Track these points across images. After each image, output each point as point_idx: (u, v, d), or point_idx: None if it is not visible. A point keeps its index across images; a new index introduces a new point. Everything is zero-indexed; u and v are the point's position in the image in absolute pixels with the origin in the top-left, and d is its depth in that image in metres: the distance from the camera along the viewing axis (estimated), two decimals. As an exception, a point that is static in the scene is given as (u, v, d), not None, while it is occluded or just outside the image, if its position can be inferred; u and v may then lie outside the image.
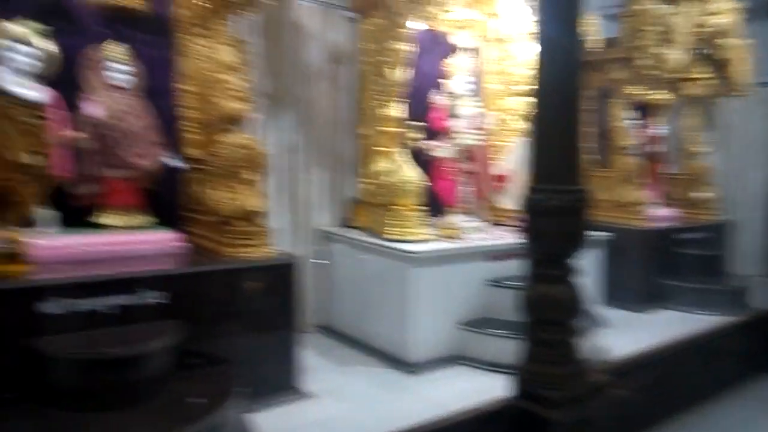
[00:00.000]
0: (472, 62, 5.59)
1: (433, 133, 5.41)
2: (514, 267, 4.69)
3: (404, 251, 4.32)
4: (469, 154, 5.43)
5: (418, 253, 4.31)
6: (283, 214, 5.03)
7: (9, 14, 3.51)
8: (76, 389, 2.82)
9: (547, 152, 3.28)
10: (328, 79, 5.26)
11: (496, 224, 5.58)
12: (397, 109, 4.89)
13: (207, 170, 3.79)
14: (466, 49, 5.55)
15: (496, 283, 4.68)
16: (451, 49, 5.58)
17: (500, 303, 4.55)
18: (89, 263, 3.36)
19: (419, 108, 5.40)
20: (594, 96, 6.56)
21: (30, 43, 3.40)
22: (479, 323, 4.55)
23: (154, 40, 4.11)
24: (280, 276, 3.73)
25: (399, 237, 4.54)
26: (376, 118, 4.96)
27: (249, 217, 3.72)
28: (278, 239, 4.84)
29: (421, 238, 4.57)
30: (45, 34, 3.50)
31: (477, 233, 5.11)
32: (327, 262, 5.20)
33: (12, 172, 3.32)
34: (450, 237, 4.80)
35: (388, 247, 4.48)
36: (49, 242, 3.37)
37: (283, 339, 3.75)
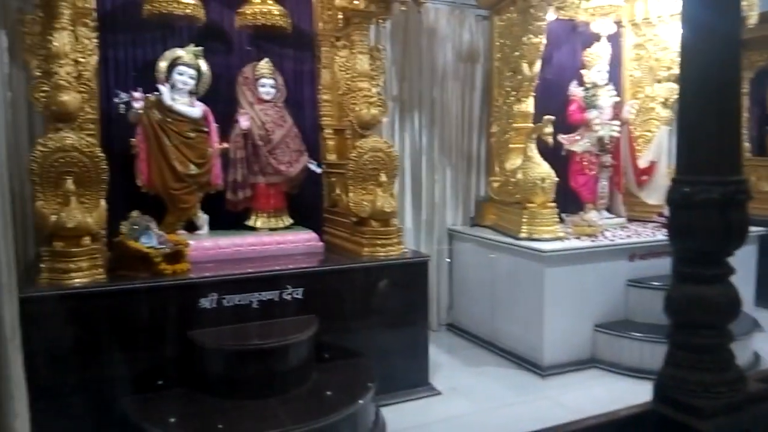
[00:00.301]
0: (611, 50, 5.31)
1: (570, 127, 5.25)
2: (657, 266, 4.46)
3: (538, 250, 4.26)
4: (608, 146, 5.19)
5: (552, 252, 4.23)
6: (413, 213, 5.18)
7: (174, 39, 3.99)
8: (226, 378, 3.16)
9: (698, 141, 3.05)
10: (459, 79, 5.30)
11: (638, 220, 5.29)
12: (531, 105, 4.82)
13: (344, 174, 4.02)
14: (605, 37, 5.28)
15: (638, 283, 4.45)
16: (589, 38, 5.35)
17: (642, 304, 4.35)
18: (239, 262, 3.73)
19: (555, 101, 5.25)
20: (750, 77, 5.94)
21: (191, 64, 3.83)
22: (618, 325, 4.36)
23: (298, 55, 4.44)
24: (412, 274, 3.88)
25: (532, 235, 4.47)
26: (510, 114, 4.92)
27: (384, 217, 3.90)
28: (408, 238, 5.02)
29: (556, 236, 4.47)
30: (202, 56, 3.93)
31: (616, 230, 4.89)
32: (448, 260, 5.26)
33: (180, 182, 3.78)
34: (587, 234, 4.63)
35: (520, 246, 4.43)
36: (205, 243, 3.79)
37: (414, 336, 3.89)
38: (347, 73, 4.26)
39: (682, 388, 3.01)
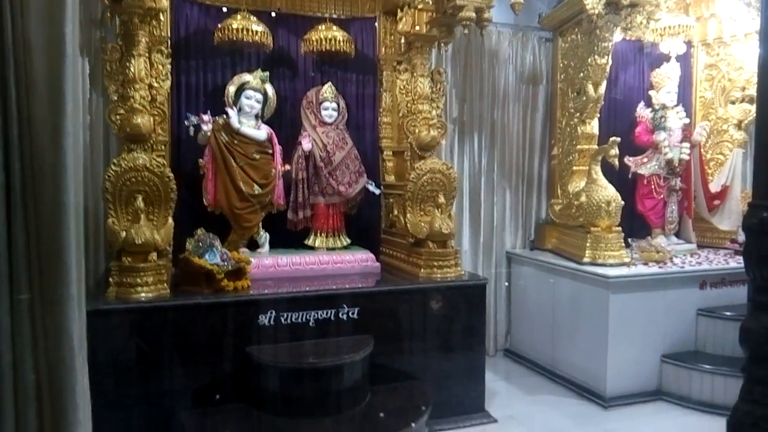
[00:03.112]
0: (680, 71, 5.14)
1: (637, 149, 5.09)
2: (730, 295, 4.24)
3: (602, 276, 4.12)
4: (677, 169, 5.00)
5: (618, 278, 4.08)
6: (471, 235, 5.13)
7: (243, 65, 4.15)
8: (280, 395, 3.19)
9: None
10: (520, 100, 5.25)
11: (709, 247, 5.05)
12: (595, 126, 4.71)
13: (402, 195, 4.03)
14: (674, 57, 5.12)
15: (709, 312, 4.24)
16: (658, 58, 5.20)
17: (713, 335, 4.14)
18: (297, 280, 3.80)
19: (621, 123, 5.14)
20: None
21: (258, 89, 3.97)
22: (687, 357, 4.16)
23: (360, 79, 4.51)
24: (470, 297, 3.83)
25: (596, 260, 4.33)
26: (573, 136, 4.83)
27: (441, 239, 3.88)
28: (466, 261, 4.97)
29: (622, 261, 4.31)
30: (269, 80, 4.06)
31: (686, 257, 4.68)
32: (507, 284, 5.17)
33: (244, 201, 3.89)
34: (655, 261, 4.45)
35: (583, 271, 4.30)
36: (266, 261, 3.88)
37: (471, 360, 3.83)
38: (408, 96, 4.30)
39: (760, 427, 2.82)
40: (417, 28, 4.01)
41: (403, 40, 4.34)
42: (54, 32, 1.64)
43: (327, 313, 3.49)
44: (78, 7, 1.74)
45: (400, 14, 4.18)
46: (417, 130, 4.03)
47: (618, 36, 4.70)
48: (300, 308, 3.44)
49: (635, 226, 5.01)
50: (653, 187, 5.01)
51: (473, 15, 3.65)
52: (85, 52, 3.94)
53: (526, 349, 5.00)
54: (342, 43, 4.04)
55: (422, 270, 3.84)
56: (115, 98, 3.62)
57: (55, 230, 1.66)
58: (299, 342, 3.41)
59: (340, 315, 3.51)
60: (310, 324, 3.46)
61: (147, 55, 3.65)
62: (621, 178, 4.84)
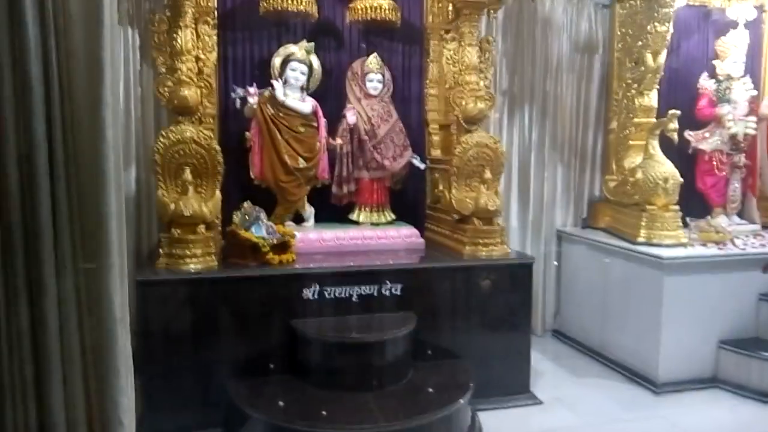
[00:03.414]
0: (749, 39, 4.80)
1: (698, 123, 4.82)
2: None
3: (657, 257, 3.94)
4: (741, 145, 4.71)
5: (673, 259, 3.90)
6: (519, 212, 4.99)
7: (289, 36, 4.11)
8: (324, 368, 3.22)
9: None
10: (575, 71, 5.02)
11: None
12: (654, 98, 4.48)
13: (448, 170, 3.94)
14: (742, 24, 4.78)
15: (772, 298, 4.01)
16: (724, 26, 4.87)
17: (776, 322, 3.91)
18: (341, 255, 3.78)
19: (682, 95, 4.88)
20: None
21: (303, 60, 3.92)
22: (747, 343, 3.96)
23: (407, 49, 4.41)
24: (516, 276, 3.74)
25: (651, 240, 4.15)
26: (630, 108, 4.62)
27: (487, 216, 3.78)
28: (513, 238, 4.85)
29: (679, 241, 4.11)
30: (314, 52, 4.01)
31: (748, 238, 4.42)
32: (556, 263, 5.03)
33: (289, 175, 3.88)
34: (714, 241, 4.23)
35: (638, 252, 4.12)
36: (311, 235, 3.88)
37: (516, 341, 3.75)
38: (455, 67, 4.16)
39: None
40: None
41: (450, 8, 4.18)
42: (92, 1, 1.62)
43: (370, 289, 3.46)
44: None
45: (448, -20, 4.04)
46: (464, 102, 3.91)
47: (681, 1, 4.41)
48: (343, 283, 3.43)
49: (695, 204, 4.77)
50: (715, 163, 4.75)
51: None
52: (135, 24, 4.00)
53: (575, 330, 4.87)
54: (387, 11, 3.93)
55: (467, 247, 3.76)
56: (163, 70, 3.64)
57: (96, 199, 1.67)
58: (342, 317, 3.41)
59: (383, 291, 3.48)
60: (354, 299, 3.45)
61: (194, 26, 3.64)
62: (681, 154, 4.62)
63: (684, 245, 4.10)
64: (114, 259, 1.71)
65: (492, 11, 4.19)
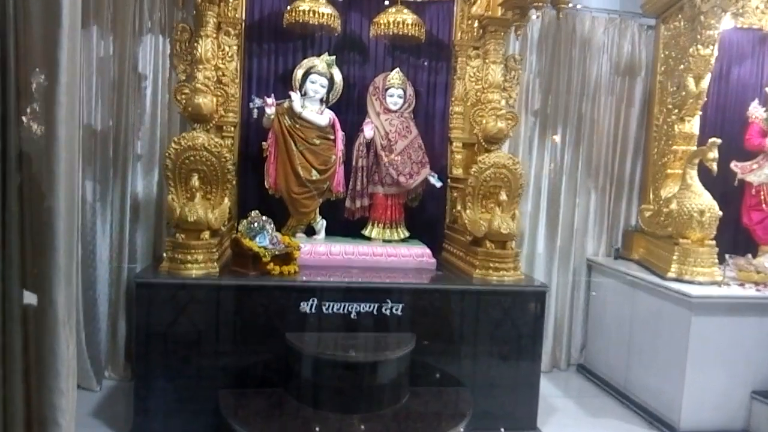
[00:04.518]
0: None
1: (747, 154, 4.49)
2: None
3: (686, 294, 3.66)
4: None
5: (703, 298, 3.62)
6: (546, 238, 4.77)
7: (314, 49, 4.11)
8: (313, 385, 3.12)
9: None
10: (614, 93, 4.80)
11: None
12: (696, 125, 4.20)
13: (466, 189, 3.81)
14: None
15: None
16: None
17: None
18: (348, 270, 3.70)
19: (730, 123, 4.57)
20: None
21: (323, 73, 3.91)
22: (784, 397, 3.60)
23: (433, 65, 4.32)
24: (527, 304, 3.54)
25: (682, 276, 3.87)
26: (669, 135, 4.35)
27: (500, 239, 3.62)
28: (539, 265, 4.64)
29: (713, 279, 3.82)
30: (336, 65, 3.99)
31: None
32: (593, 293, 4.75)
33: (301, 187, 3.86)
34: (754, 282, 3.90)
35: (666, 288, 3.84)
36: (319, 248, 3.82)
37: (525, 371, 3.54)
38: (477, 84, 4.07)
39: None
40: (489, 12, 3.75)
41: (477, 24, 4.08)
42: (52, 2, 1.64)
43: (370, 307, 3.36)
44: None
45: (475, -4, 3.94)
46: (484, 121, 3.78)
47: (728, 23, 4.13)
48: (343, 299, 3.34)
49: (740, 241, 4.44)
50: (763, 197, 4.39)
51: (546, -3, 3.34)
52: (167, 33, 4.11)
53: (600, 367, 4.59)
54: (411, 27, 3.86)
55: (477, 270, 3.60)
56: (183, 78, 3.71)
57: (45, 199, 1.67)
58: (339, 333, 3.32)
59: (383, 310, 3.37)
60: (352, 316, 3.36)
61: (215, 36, 3.70)
62: (726, 186, 4.30)
63: (718, 284, 3.79)
64: (60, 260, 1.70)
65: (517, 29, 4.04)
